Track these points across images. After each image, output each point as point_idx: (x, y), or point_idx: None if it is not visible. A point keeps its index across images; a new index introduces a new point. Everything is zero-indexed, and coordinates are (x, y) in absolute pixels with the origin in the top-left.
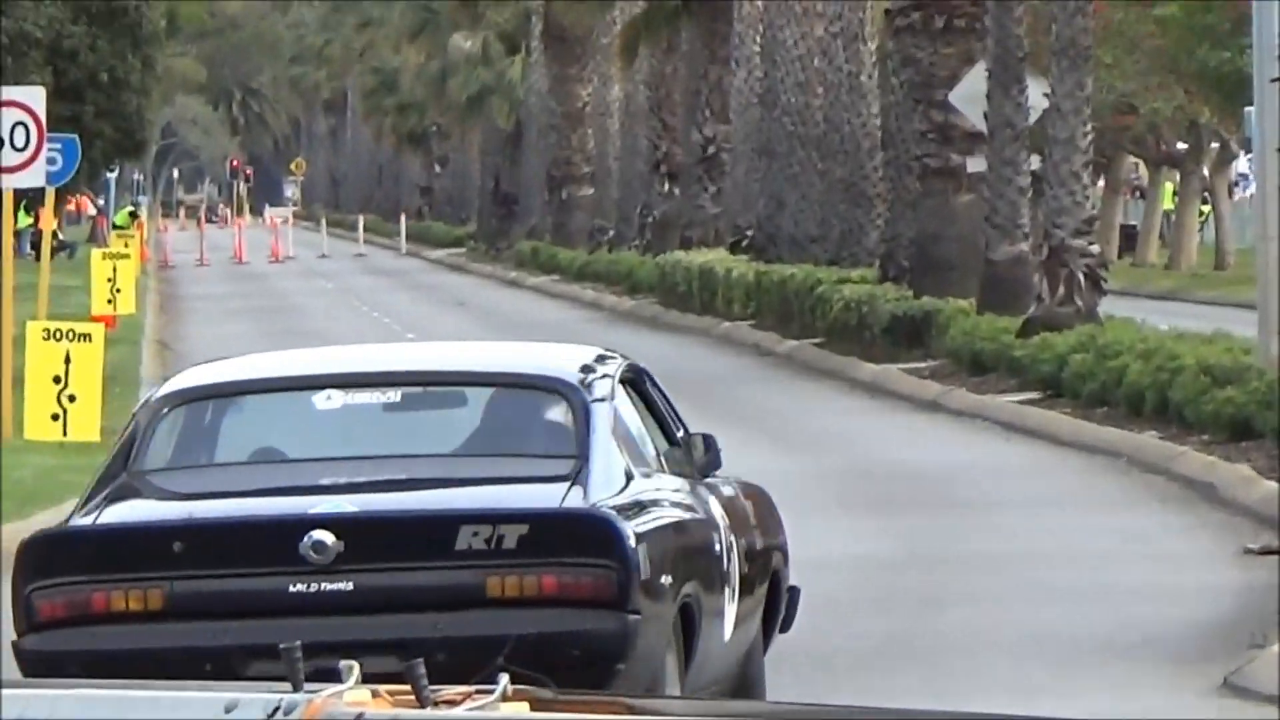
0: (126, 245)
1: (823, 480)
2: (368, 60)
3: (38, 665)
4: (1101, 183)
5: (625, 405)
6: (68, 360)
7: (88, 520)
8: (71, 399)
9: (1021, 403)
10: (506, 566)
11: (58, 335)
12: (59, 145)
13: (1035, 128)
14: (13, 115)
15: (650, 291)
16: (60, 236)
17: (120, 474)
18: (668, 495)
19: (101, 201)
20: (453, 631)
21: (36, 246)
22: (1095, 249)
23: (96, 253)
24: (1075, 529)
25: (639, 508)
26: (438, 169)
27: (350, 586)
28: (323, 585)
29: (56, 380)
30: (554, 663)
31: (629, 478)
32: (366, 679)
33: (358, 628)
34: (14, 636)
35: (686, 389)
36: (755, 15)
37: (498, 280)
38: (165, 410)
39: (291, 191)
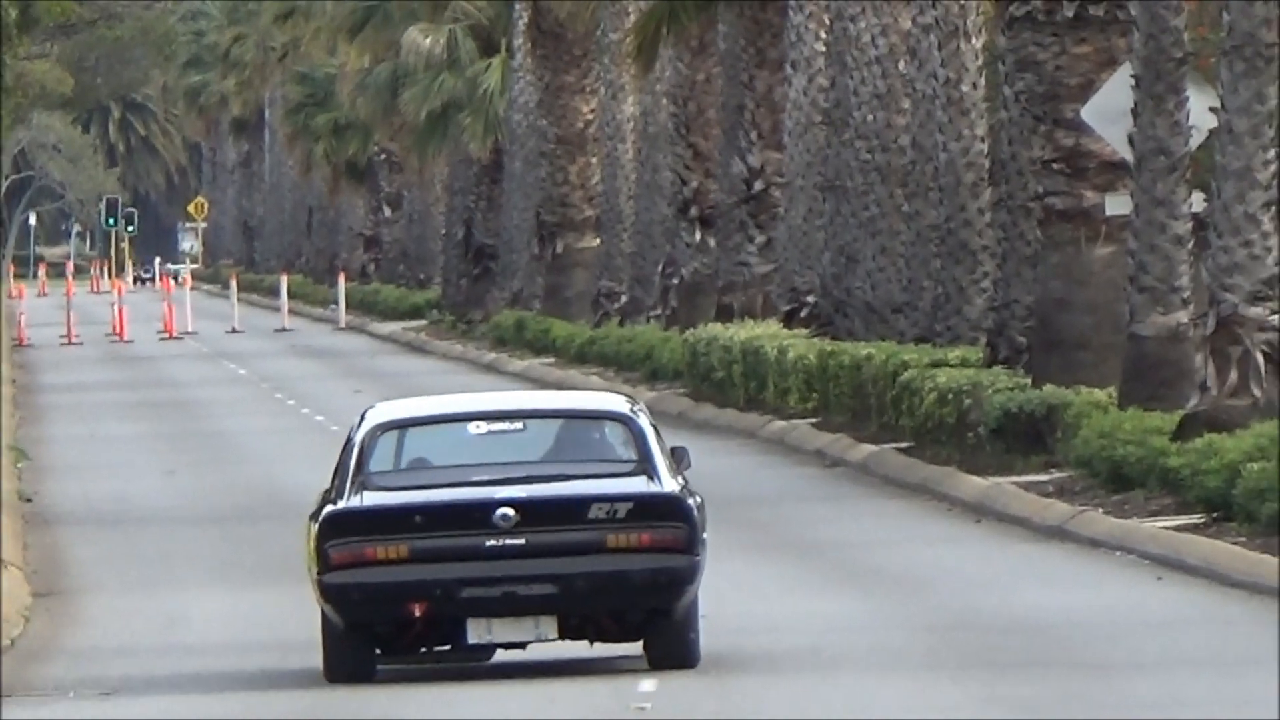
0: None
1: (910, 633)
2: (291, 65)
3: (330, 593)
4: None
5: (653, 429)
6: None
7: (355, 503)
8: None
9: (1178, 529)
10: (619, 528)
11: None
12: None
13: (1199, 154)
14: None
15: (676, 379)
16: None
17: (359, 475)
18: (688, 485)
19: None
20: (586, 569)
21: None
22: (1278, 320)
23: None
24: (1249, 702)
25: (687, 492)
26: (388, 212)
27: (523, 541)
28: (505, 541)
29: None
30: (650, 587)
31: (671, 475)
32: (527, 602)
33: (528, 567)
34: (315, 575)
35: (724, 510)
36: (818, 1)
37: (470, 364)
38: (378, 434)
39: (190, 243)
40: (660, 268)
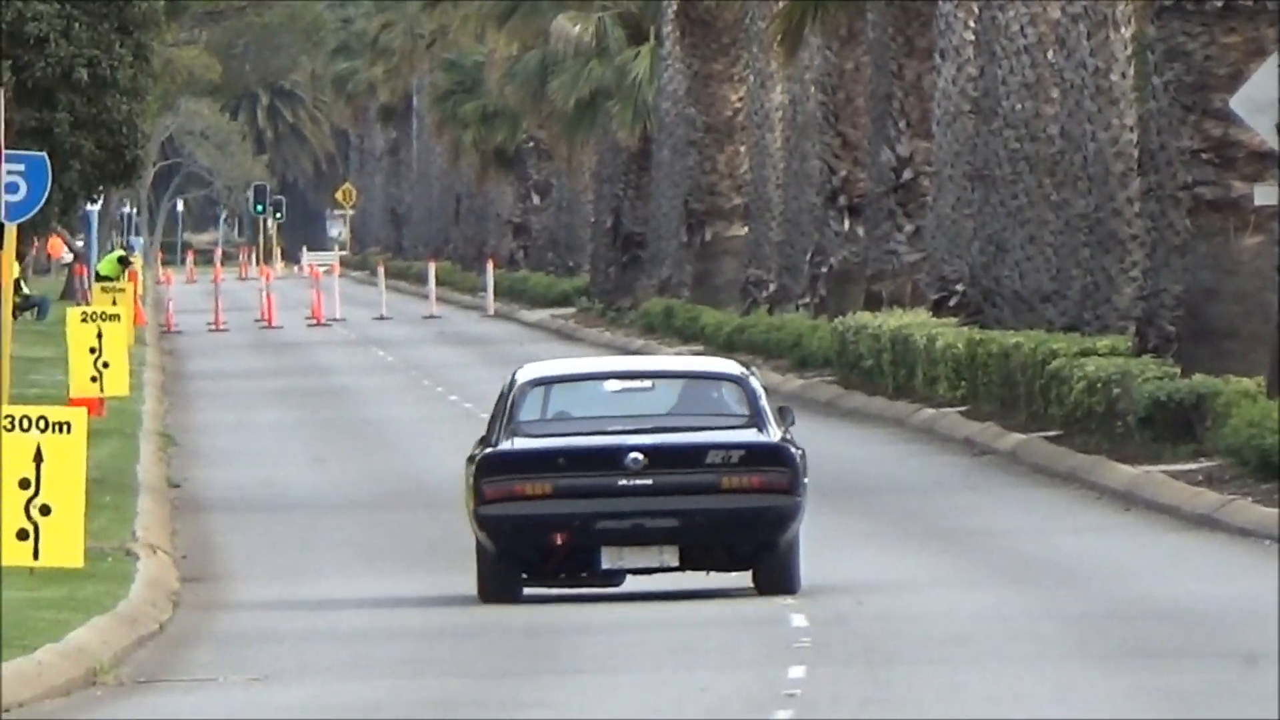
0: (115, 303)
1: (1059, 623)
2: (439, 52)
3: (485, 523)
4: None
5: (762, 390)
6: (38, 458)
7: (507, 446)
8: (45, 511)
9: None
10: (732, 472)
11: (25, 425)
12: (21, 166)
13: None
14: None
15: (825, 366)
16: (25, 290)
17: (510, 423)
18: (792, 438)
19: (80, 243)
20: (704, 506)
21: None
22: None
23: (74, 312)
24: None
25: (790, 443)
26: (536, 200)
27: (651, 482)
28: (635, 481)
29: (24, 485)
30: (759, 523)
31: (778, 428)
32: (653, 533)
33: (655, 504)
34: (472, 508)
35: (872, 499)
36: None
37: (619, 351)
38: (527, 389)
39: (338, 231)
40: (809, 256)
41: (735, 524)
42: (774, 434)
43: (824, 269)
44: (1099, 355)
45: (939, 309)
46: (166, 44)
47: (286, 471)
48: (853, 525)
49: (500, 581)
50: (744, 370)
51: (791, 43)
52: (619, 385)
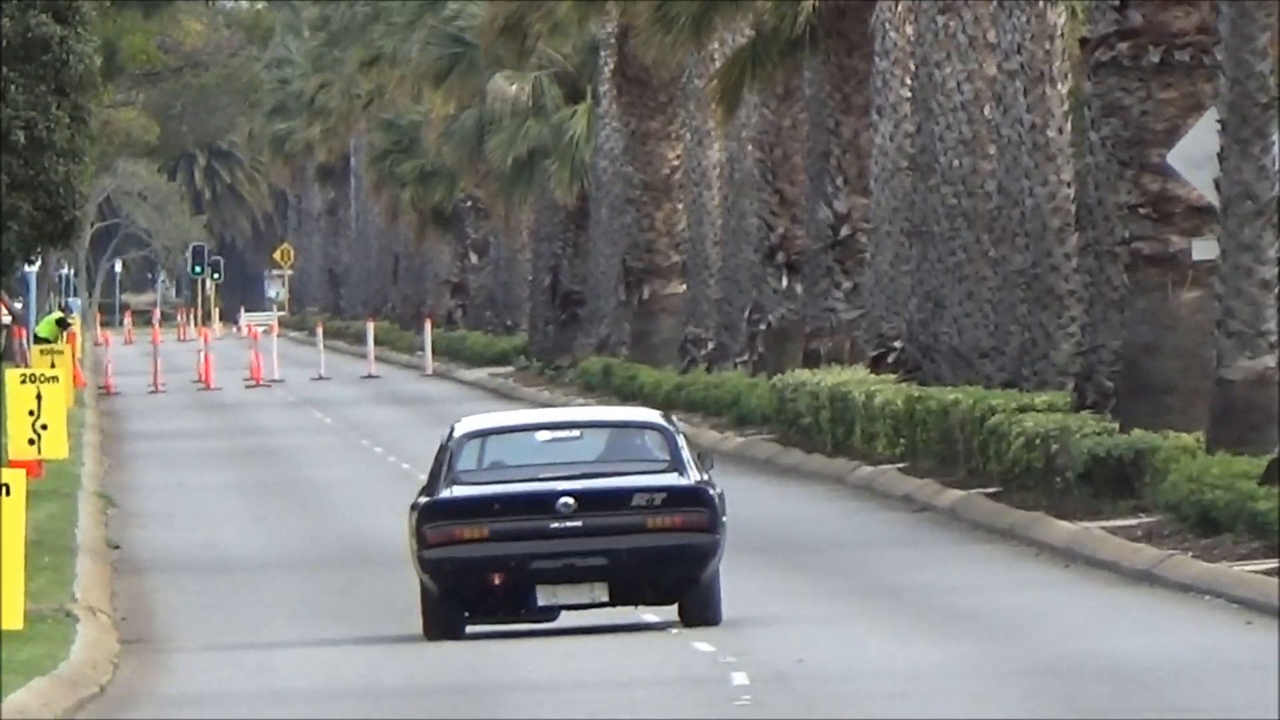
0: (54, 365)
1: (999, 680)
2: (377, 112)
3: (428, 565)
4: None
5: (682, 436)
6: None
7: (447, 494)
8: None
9: (1267, 573)
10: (656, 512)
11: None
12: None
13: None
14: None
15: (764, 424)
16: None
17: (449, 473)
18: (711, 480)
19: (19, 305)
20: (630, 545)
21: None
22: None
23: (13, 374)
24: None
25: (709, 485)
26: (474, 259)
27: (581, 524)
28: (566, 523)
29: None
30: (682, 560)
31: (697, 471)
32: (584, 571)
33: (585, 544)
34: (415, 551)
35: (812, 556)
36: (904, 48)
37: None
38: (464, 440)
39: (276, 291)
40: (747, 314)
41: (660, 561)
42: (694, 477)
43: (762, 326)
44: (1037, 411)
45: (877, 366)
46: (104, 105)
47: (226, 532)
48: (792, 582)
49: (443, 620)
50: (664, 419)
51: (730, 101)
52: (549, 435)
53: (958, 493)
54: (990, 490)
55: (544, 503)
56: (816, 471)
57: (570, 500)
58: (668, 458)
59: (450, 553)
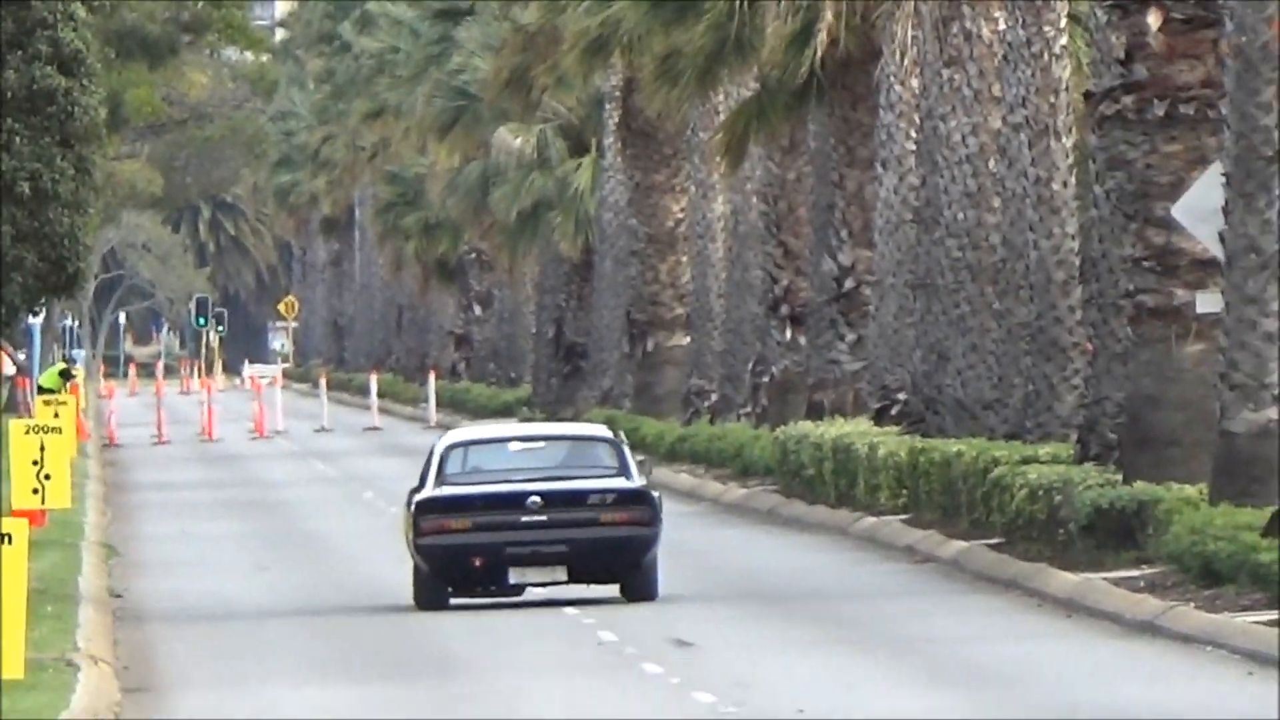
0: (57, 415)
1: None
2: (381, 164)
3: (421, 550)
4: None
5: (628, 447)
6: None
7: (437, 492)
8: None
9: (1269, 624)
10: (607, 509)
11: None
12: None
13: None
14: None
15: (767, 476)
16: None
17: (439, 475)
18: (651, 484)
19: (22, 356)
20: (586, 535)
21: None
22: None
23: (17, 425)
24: None
25: (650, 488)
26: (478, 311)
27: (546, 518)
28: (534, 518)
29: None
30: (627, 548)
31: (640, 476)
32: (548, 556)
33: (549, 535)
34: (411, 539)
35: (815, 606)
36: (909, 101)
37: None
38: (451, 449)
39: (280, 343)
40: (751, 366)
41: (610, 549)
42: (638, 481)
43: (766, 378)
44: (1041, 463)
45: (881, 418)
46: (108, 157)
47: (229, 582)
48: (795, 632)
49: (432, 594)
50: (613, 433)
51: (735, 154)
52: (520, 446)
53: (961, 544)
54: (993, 541)
55: (516, 500)
56: (819, 523)
57: (538, 499)
58: (617, 465)
59: (440, 540)
